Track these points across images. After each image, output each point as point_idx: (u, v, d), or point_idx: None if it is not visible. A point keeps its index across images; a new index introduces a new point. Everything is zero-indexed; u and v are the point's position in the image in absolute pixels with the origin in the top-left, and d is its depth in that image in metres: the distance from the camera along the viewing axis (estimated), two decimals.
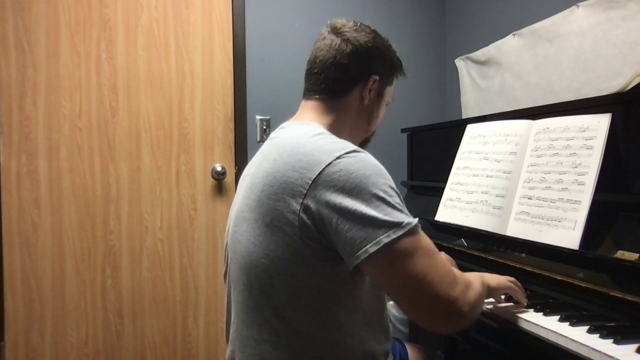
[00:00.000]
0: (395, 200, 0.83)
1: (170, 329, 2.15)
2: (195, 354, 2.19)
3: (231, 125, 2.23)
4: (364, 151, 0.88)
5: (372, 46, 1.02)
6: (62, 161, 2.00)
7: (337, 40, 1.01)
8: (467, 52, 2.37)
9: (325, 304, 0.88)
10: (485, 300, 1.07)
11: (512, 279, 1.08)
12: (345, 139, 0.93)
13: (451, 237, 1.53)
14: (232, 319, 1.00)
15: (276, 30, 2.28)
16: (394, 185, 0.85)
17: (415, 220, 0.82)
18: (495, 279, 1.02)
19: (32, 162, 1.97)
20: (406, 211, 0.83)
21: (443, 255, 1.09)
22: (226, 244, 1.05)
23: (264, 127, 2.26)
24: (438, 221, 1.56)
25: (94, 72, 2.04)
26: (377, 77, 1.03)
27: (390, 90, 1.11)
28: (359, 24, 1.05)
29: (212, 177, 2.19)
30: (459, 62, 2.43)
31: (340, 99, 1.02)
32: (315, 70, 1.03)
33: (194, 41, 2.16)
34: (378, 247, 0.78)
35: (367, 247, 0.78)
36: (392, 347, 1.16)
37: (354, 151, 0.86)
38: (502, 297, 1.09)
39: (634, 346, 0.80)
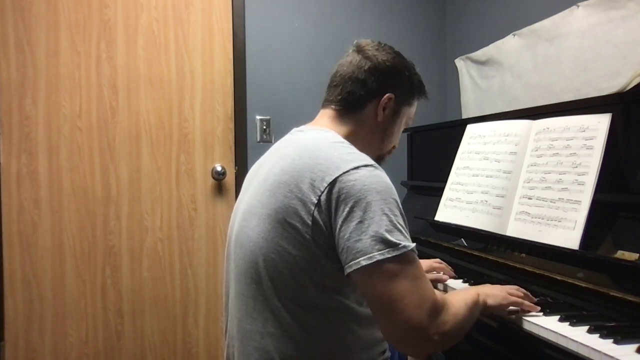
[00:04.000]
0: (399, 220, 0.86)
1: (170, 329, 2.15)
2: (195, 354, 2.19)
3: (231, 125, 2.23)
4: (380, 168, 0.91)
5: (391, 65, 1.05)
6: (62, 161, 2.00)
7: (358, 57, 1.06)
8: (467, 52, 2.37)
9: (329, 302, 0.92)
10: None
11: (514, 289, 1.04)
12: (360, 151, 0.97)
13: (451, 237, 1.53)
14: (233, 315, 1.01)
15: (276, 30, 2.28)
16: (400, 207, 0.89)
17: (412, 245, 0.85)
18: (494, 297, 0.99)
19: (32, 162, 1.97)
20: (406, 234, 0.86)
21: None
22: (229, 239, 1.06)
23: (264, 127, 2.26)
24: (438, 221, 1.56)
25: (94, 72, 2.04)
26: (392, 95, 1.05)
27: (408, 112, 1.13)
28: (383, 44, 1.09)
29: (212, 177, 2.19)
30: (459, 62, 2.43)
31: (355, 112, 1.05)
32: (335, 84, 1.08)
33: (194, 41, 2.16)
34: (370, 262, 0.81)
35: (360, 259, 0.82)
36: (390, 346, 1.16)
37: (372, 166, 0.89)
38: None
39: (634, 346, 0.80)
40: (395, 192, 0.90)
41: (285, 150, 0.99)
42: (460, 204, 1.49)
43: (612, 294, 0.96)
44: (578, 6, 1.71)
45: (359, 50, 1.07)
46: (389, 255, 0.82)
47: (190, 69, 2.16)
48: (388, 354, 1.06)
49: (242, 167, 2.21)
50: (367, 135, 1.07)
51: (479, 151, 1.51)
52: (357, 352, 0.96)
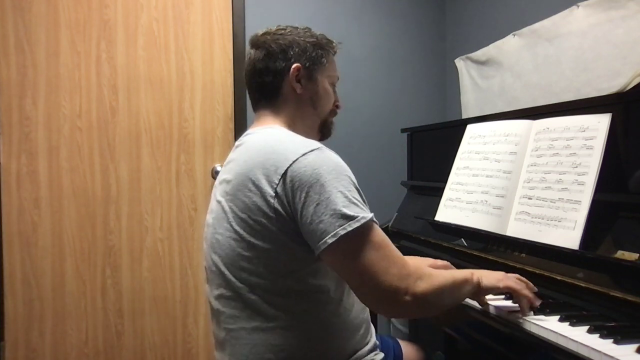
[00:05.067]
0: (354, 195, 0.90)
1: (170, 329, 2.15)
2: (195, 353, 2.19)
3: (231, 125, 2.23)
4: (328, 149, 0.95)
5: (282, 41, 1.07)
6: (62, 161, 2.00)
7: (252, 52, 1.10)
8: (467, 52, 2.36)
9: (308, 288, 0.95)
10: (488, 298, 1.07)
11: (515, 278, 1.04)
12: (303, 130, 1.04)
13: (451, 237, 1.53)
14: (219, 319, 1.03)
15: None
16: (354, 181, 0.93)
17: (370, 215, 0.89)
18: (489, 279, 1.01)
19: (32, 162, 1.97)
20: (362, 206, 0.91)
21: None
22: (205, 250, 1.09)
23: None
24: (438, 221, 1.56)
25: (94, 72, 2.04)
26: (298, 65, 1.07)
27: (325, 70, 1.12)
28: (271, 28, 1.11)
29: (212, 177, 2.19)
30: (459, 62, 2.43)
31: (277, 99, 1.08)
32: (248, 86, 1.12)
33: (194, 41, 2.16)
34: (335, 238, 0.85)
35: (326, 238, 0.86)
36: (387, 345, 1.17)
37: (319, 149, 0.93)
38: (502, 296, 1.08)
39: (634, 346, 0.80)
40: (347, 169, 0.94)
41: (238, 155, 1.02)
42: (460, 204, 1.49)
43: (612, 294, 0.96)
44: (578, 6, 1.71)
45: (252, 44, 1.11)
46: (350, 229, 0.86)
47: (190, 69, 2.16)
48: (375, 341, 1.09)
49: None
50: (299, 112, 1.09)
51: (479, 151, 1.51)
52: (342, 336, 0.99)
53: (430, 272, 0.92)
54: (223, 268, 0.98)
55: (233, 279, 0.96)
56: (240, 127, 2.23)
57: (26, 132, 1.96)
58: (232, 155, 1.08)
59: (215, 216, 1.03)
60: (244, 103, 2.23)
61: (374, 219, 0.90)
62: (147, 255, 2.12)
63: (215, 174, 2.18)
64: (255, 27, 2.24)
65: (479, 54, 2.26)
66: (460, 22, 2.49)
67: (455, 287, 0.95)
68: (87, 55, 2.03)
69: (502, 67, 2.12)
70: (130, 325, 2.10)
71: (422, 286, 0.88)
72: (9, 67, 1.93)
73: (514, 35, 2.03)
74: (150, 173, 2.12)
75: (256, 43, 1.09)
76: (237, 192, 0.95)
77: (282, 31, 1.09)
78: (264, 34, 1.09)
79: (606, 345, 0.81)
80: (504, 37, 2.10)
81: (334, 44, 1.14)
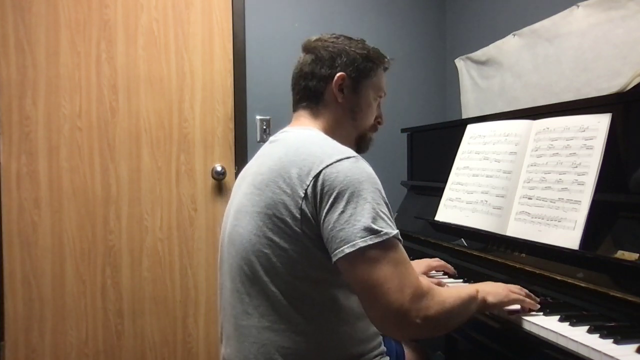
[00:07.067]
0: (382, 209, 0.89)
1: (170, 329, 2.15)
2: (195, 353, 2.19)
3: (231, 125, 2.23)
4: (363, 159, 0.95)
5: (332, 48, 1.08)
6: (62, 161, 2.00)
7: (303, 55, 1.12)
8: (467, 52, 2.37)
9: (323, 294, 0.94)
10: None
11: (517, 288, 1.04)
12: (339, 139, 1.02)
13: (451, 237, 1.53)
14: (229, 314, 1.02)
15: (276, 30, 2.28)
16: (384, 195, 0.92)
17: (395, 232, 0.88)
18: (495, 295, 0.99)
19: (32, 162, 1.97)
20: (389, 221, 0.89)
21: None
22: (222, 241, 1.09)
23: (264, 127, 2.26)
24: (438, 221, 1.56)
25: (94, 72, 2.04)
26: (343, 74, 1.07)
27: (372, 84, 1.11)
28: (326, 35, 1.12)
29: (212, 177, 2.19)
30: (459, 62, 2.43)
31: (319, 103, 1.09)
32: (293, 87, 1.14)
33: (194, 41, 2.16)
34: (353, 249, 0.84)
35: (344, 247, 0.85)
36: (389, 346, 1.17)
37: (354, 157, 0.93)
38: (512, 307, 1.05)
39: (634, 346, 0.80)
40: (378, 181, 0.92)
41: (272, 151, 1.02)
42: (460, 204, 1.49)
43: (612, 294, 0.96)
44: (578, 6, 1.71)
45: (303, 48, 1.12)
46: (371, 242, 0.84)
47: (190, 69, 2.16)
48: (383, 348, 1.08)
49: (242, 167, 2.18)
50: (338, 120, 1.09)
51: (479, 151, 1.51)
52: (353, 345, 0.98)
53: (441, 296, 0.89)
54: (242, 263, 0.97)
55: (250, 276, 0.96)
56: (240, 127, 2.23)
57: (26, 132, 1.96)
58: (264, 149, 1.08)
59: (238, 209, 1.02)
60: (244, 103, 2.23)
61: (399, 237, 0.88)
62: (147, 255, 2.12)
63: (215, 174, 2.18)
64: (255, 27, 2.26)
65: (479, 54, 2.26)
66: (460, 22, 2.49)
67: (464, 308, 0.93)
68: (87, 55, 2.02)
69: (502, 67, 2.12)
70: (130, 325, 2.10)
71: (433, 309, 0.86)
72: (9, 67, 1.93)
73: (514, 35, 2.03)
74: (150, 173, 2.12)
75: (307, 47, 1.11)
76: (265, 187, 0.95)
77: (335, 39, 1.10)
78: (317, 39, 1.11)
79: (606, 345, 0.82)
80: (504, 37, 2.10)
81: (385, 60, 1.14)
